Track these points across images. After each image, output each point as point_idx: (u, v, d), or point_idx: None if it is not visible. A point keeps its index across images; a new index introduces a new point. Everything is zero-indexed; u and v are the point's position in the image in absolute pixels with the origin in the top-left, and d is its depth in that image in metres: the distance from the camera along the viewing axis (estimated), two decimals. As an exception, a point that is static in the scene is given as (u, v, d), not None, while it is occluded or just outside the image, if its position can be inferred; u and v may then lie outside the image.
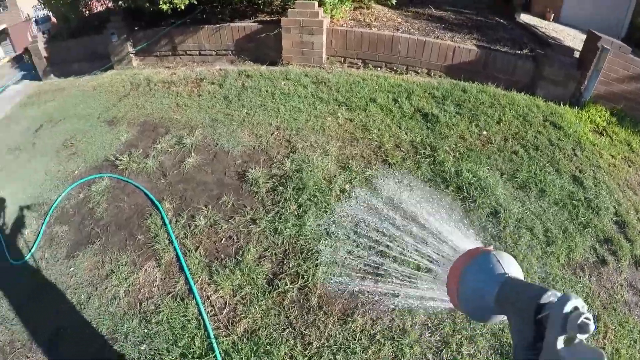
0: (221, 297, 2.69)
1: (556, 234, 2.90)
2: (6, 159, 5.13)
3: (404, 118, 4.08)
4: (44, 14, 11.99)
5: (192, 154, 3.86)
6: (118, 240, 3.28)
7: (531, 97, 4.47)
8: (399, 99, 4.37)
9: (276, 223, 3.05)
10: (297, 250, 2.86)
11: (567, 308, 0.59)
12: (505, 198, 3.13)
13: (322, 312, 2.53)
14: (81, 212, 3.74)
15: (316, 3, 5.13)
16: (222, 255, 2.93)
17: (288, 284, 2.67)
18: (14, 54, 9.46)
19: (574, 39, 6.15)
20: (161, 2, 5.01)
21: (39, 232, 3.76)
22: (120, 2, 5.94)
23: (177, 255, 2.98)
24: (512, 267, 0.82)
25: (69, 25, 7.37)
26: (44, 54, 7.00)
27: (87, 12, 7.67)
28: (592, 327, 0.57)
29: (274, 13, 6.08)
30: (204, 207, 3.29)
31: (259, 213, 3.16)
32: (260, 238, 2.98)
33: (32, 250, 3.58)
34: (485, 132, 3.84)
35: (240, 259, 2.85)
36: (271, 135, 3.99)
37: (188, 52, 6.05)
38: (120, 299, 2.84)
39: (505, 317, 0.78)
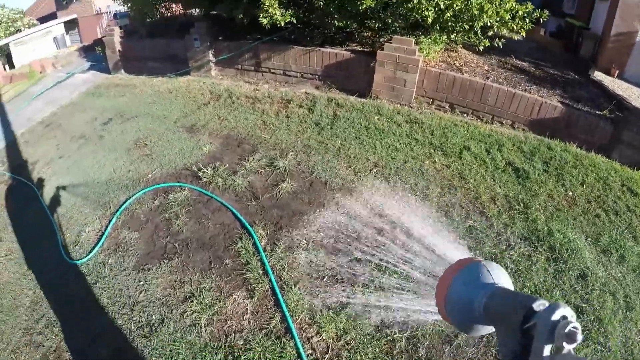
0: (323, 340, 2.52)
1: (634, 300, 2.97)
2: (69, 147, 5.15)
3: (497, 170, 4.08)
4: (119, 10, 12.67)
5: (287, 179, 3.77)
6: (200, 261, 3.14)
7: (607, 159, 4.49)
8: (491, 150, 4.37)
9: (384, 268, 2.89)
10: (405, 299, 2.71)
11: (556, 316, 0.60)
12: (591, 261, 3.18)
13: (430, 364, 2.40)
14: (155, 221, 3.63)
15: (413, 40, 5.16)
16: (325, 296, 2.74)
17: (397, 332, 2.54)
18: (80, 45, 9.85)
19: (638, 98, 6.08)
20: (261, 16, 5.03)
21: (103, 233, 3.66)
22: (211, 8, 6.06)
23: (272, 288, 2.81)
24: (501, 278, 0.83)
25: (145, 24, 7.64)
26: (118, 47, 7.24)
27: (168, 13, 7.95)
28: (579, 336, 0.57)
29: (364, 44, 6.14)
30: (304, 240, 3.14)
31: (365, 254, 2.99)
32: (367, 282, 2.81)
33: (94, 252, 3.47)
34: (570, 193, 3.90)
35: (346, 301, 2.68)
36: (370, 171, 3.89)
37: (272, 70, 6.14)
38: (201, 327, 2.66)
39: (494, 329, 0.78)
